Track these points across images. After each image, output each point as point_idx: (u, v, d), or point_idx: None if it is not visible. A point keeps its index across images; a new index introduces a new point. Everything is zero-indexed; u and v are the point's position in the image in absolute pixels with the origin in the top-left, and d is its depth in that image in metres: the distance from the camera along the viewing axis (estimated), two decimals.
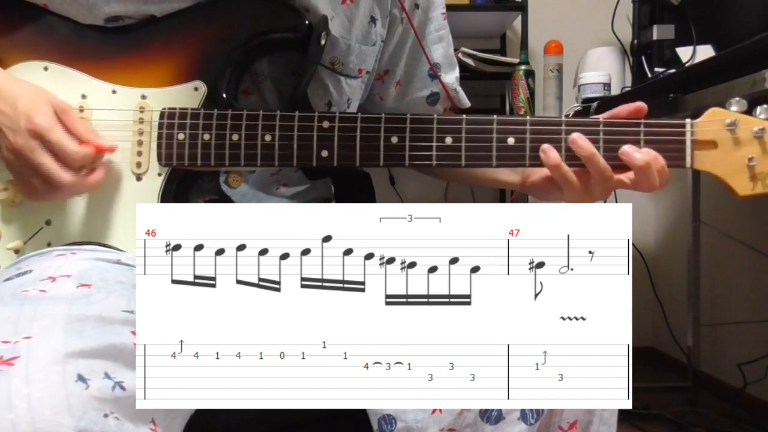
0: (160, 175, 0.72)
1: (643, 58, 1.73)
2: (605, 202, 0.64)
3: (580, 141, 0.68)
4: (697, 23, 1.58)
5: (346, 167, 0.73)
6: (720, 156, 0.68)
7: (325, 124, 0.71)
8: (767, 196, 0.68)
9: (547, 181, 0.74)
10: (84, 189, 0.68)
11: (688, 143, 0.68)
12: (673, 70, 1.57)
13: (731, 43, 1.21)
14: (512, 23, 2.27)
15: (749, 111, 0.68)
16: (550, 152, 0.69)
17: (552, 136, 0.69)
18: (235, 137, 0.71)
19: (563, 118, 0.70)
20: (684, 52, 1.59)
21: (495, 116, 0.70)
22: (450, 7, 0.94)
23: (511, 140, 0.70)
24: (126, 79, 0.73)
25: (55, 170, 0.64)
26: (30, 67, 0.73)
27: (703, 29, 1.58)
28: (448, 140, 0.70)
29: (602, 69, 1.93)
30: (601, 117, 0.71)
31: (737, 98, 0.68)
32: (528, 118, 0.71)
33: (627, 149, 0.68)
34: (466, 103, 0.98)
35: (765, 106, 0.68)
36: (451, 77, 0.94)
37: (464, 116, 0.71)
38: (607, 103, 1.74)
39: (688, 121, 0.68)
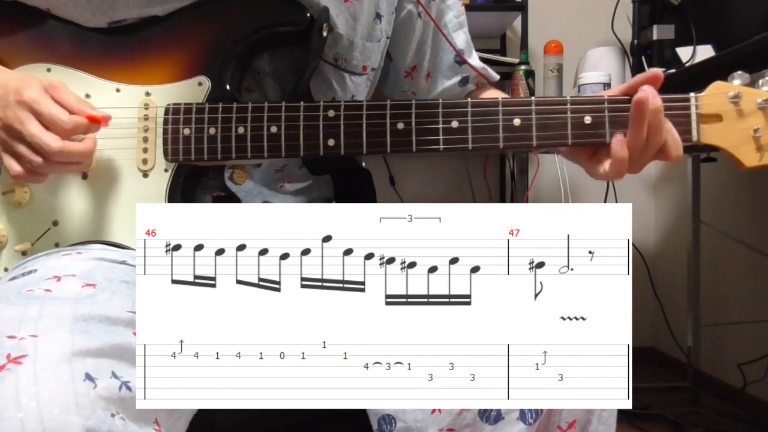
0: (166, 171, 0.72)
1: (643, 58, 1.73)
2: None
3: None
4: (697, 23, 1.58)
5: (353, 156, 0.72)
6: (725, 128, 0.68)
7: (331, 113, 0.71)
8: None
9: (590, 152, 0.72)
10: (74, 158, 0.66)
11: (694, 117, 0.68)
12: (673, 70, 1.57)
13: (731, 43, 1.22)
14: (512, 23, 2.26)
15: (751, 84, 0.68)
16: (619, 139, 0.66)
17: (558, 116, 0.69)
18: (240, 130, 0.71)
19: (568, 97, 0.70)
20: (684, 52, 1.59)
21: (500, 98, 0.71)
22: (464, 8, 0.94)
23: (517, 121, 0.70)
24: (129, 77, 0.74)
25: (43, 137, 0.64)
26: (33, 69, 0.73)
27: (703, 29, 1.58)
28: (455, 124, 0.70)
29: (602, 69, 1.93)
30: (606, 94, 0.70)
31: (740, 72, 0.68)
32: (533, 98, 0.71)
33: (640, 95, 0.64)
34: (496, 76, 0.99)
35: None
36: (475, 59, 0.95)
37: (469, 100, 0.71)
38: None
39: (692, 94, 0.68)
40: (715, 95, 0.68)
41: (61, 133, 0.64)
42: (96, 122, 0.68)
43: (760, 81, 0.68)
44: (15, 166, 0.66)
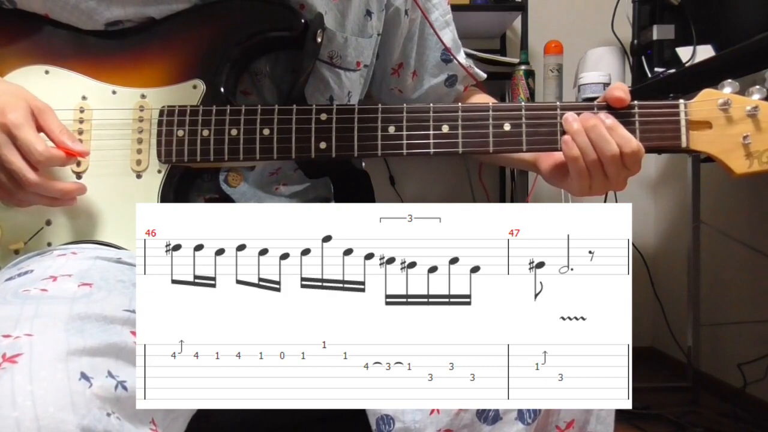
0: (159, 172, 0.73)
1: (643, 58, 1.73)
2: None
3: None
4: (697, 23, 1.58)
5: (345, 160, 0.73)
6: (715, 135, 0.69)
7: (323, 116, 0.72)
8: (764, 173, 0.68)
9: (557, 168, 0.75)
10: (53, 193, 0.66)
11: (683, 123, 0.69)
12: (673, 70, 1.57)
13: (731, 43, 1.22)
14: (512, 23, 2.26)
15: (741, 93, 0.69)
16: (571, 145, 0.69)
17: (547, 121, 0.70)
18: (233, 132, 0.72)
19: (558, 103, 0.71)
20: (684, 52, 1.59)
21: (490, 103, 0.71)
22: (450, 8, 0.95)
23: (507, 126, 0.71)
24: (125, 79, 0.74)
25: (21, 167, 0.63)
26: (31, 71, 0.74)
27: (703, 29, 1.58)
28: (445, 128, 0.71)
29: (602, 69, 1.93)
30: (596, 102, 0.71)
31: (729, 80, 0.69)
32: (523, 104, 0.72)
33: (567, 116, 0.69)
34: (483, 74, 0.99)
35: (758, 86, 0.69)
36: (462, 57, 0.95)
37: (460, 104, 0.72)
38: None
39: (681, 101, 0.70)
40: (704, 102, 0.69)
41: (35, 164, 0.64)
42: (73, 156, 0.66)
43: (750, 89, 0.69)
44: None
